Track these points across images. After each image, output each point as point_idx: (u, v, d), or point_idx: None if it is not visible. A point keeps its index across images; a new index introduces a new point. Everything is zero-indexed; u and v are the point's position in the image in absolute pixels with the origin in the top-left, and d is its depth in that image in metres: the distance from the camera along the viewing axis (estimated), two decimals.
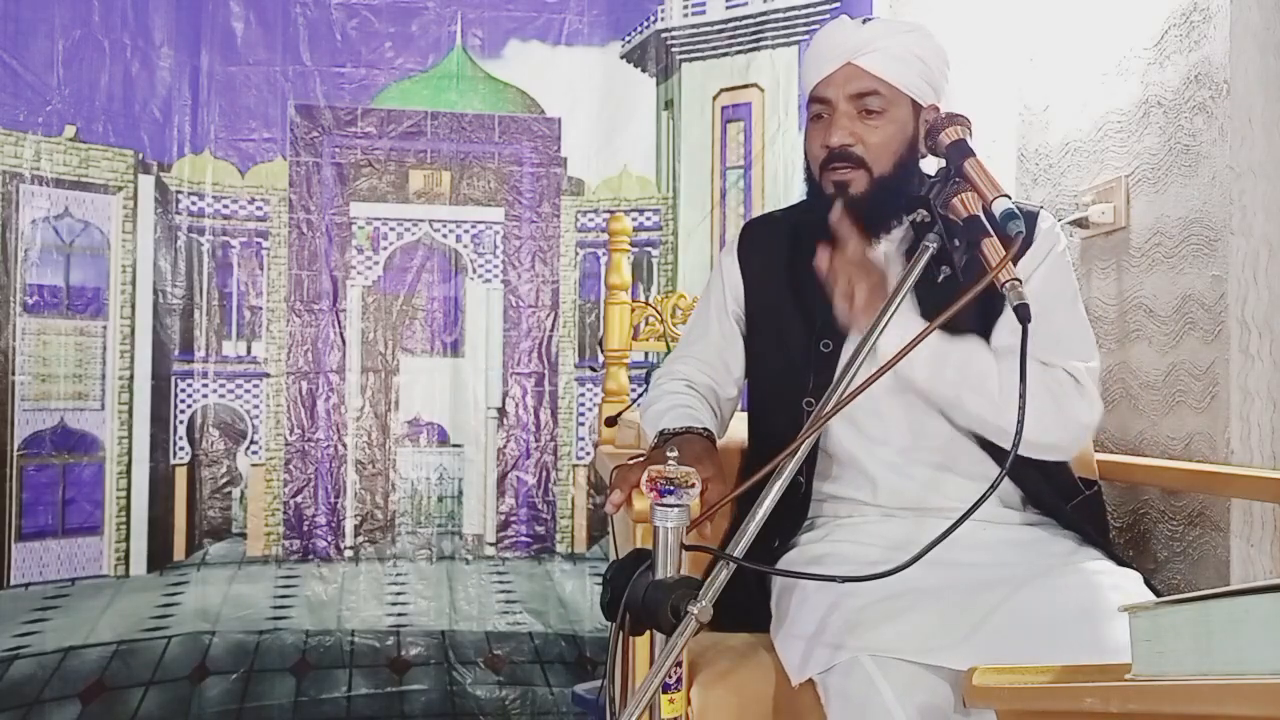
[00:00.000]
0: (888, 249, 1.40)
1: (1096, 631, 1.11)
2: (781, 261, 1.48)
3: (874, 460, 1.39)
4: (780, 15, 2.88)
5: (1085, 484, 1.47)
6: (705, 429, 1.37)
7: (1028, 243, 1.37)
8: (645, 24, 2.97)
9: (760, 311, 1.50)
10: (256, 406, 2.85)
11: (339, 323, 2.89)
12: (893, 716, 1.11)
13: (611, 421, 2.00)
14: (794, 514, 1.40)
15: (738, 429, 1.60)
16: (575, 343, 2.98)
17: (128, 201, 2.72)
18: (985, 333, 1.35)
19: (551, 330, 2.97)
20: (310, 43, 2.87)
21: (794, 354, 1.42)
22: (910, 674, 1.13)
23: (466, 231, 2.96)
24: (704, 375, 1.52)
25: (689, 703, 1.25)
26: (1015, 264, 1.34)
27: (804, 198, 1.54)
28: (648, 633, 1.07)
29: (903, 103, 1.37)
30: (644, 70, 2.98)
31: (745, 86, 2.92)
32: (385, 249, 2.93)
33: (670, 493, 1.00)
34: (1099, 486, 1.50)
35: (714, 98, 2.95)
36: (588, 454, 2.95)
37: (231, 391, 2.84)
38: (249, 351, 2.86)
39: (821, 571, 1.27)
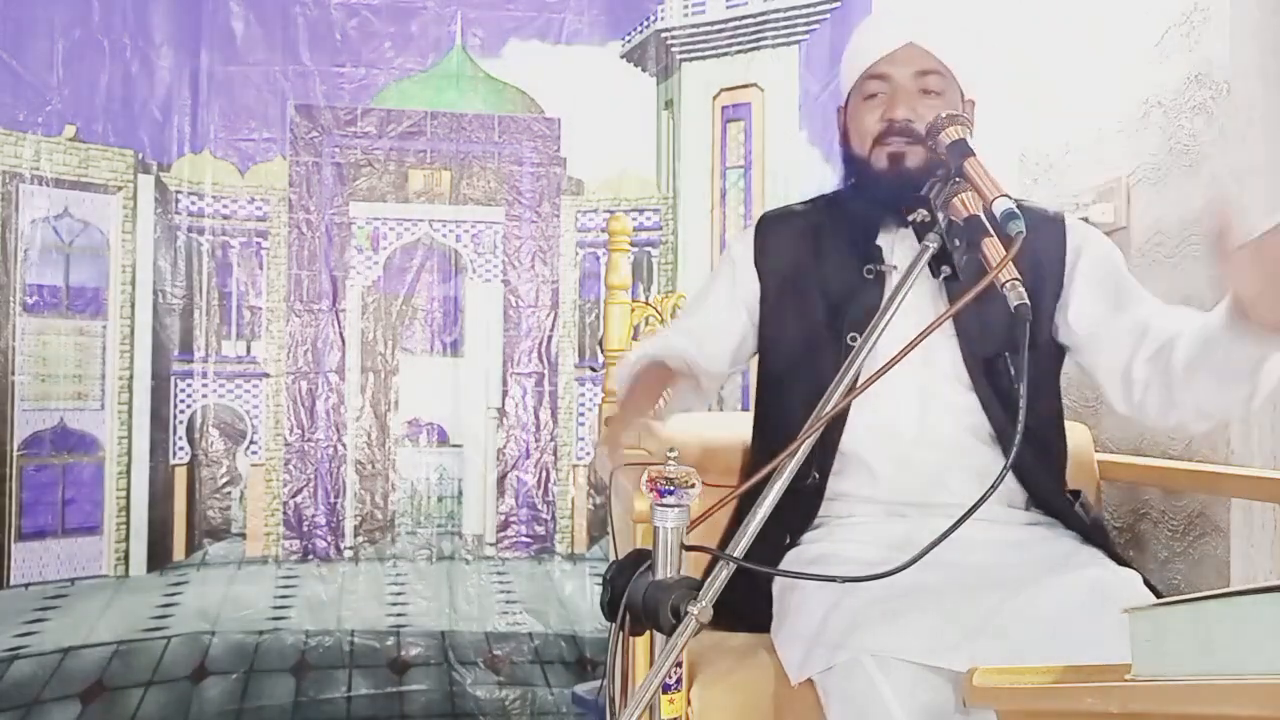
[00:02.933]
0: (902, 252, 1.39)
1: (1096, 632, 1.11)
2: (806, 255, 1.47)
3: (879, 454, 1.38)
4: (780, 15, 2.88)
5: (1071, 494, 1.46)
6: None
7: (1061, 253, 1.41)
8: (645, 24, 2.97)
9: (780, 305, 1.49)
10: (256, 406, 2.85)
11: (339, 323, 2.89)
12: (893, 717, 1.11)
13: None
14: (807, 509, 1.40)
15: (740, 429, 1.59)
16: (575, 343, 2.98)
17: (127, 201, 2.72)
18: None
19: (551, 330, 2.97)
20: (310, 42, 2.86)
21: (819, 349, 1.41)
22: (911, 674, 1.13)
23: (466, 231, 2.96)
24: (684, 344, 1.48)
25: (689, 703, 1.25)
26: (1063, 274, 1.39)
27: (809, 194, 1.54)
28: (648, 633, 1.07)
29: (955, 89, 1.39)
30: (644, 70, 2.98)
31: (745, 86, 2.92)
32: (385, 249, 2.93)
33: (670, 493, 1.00)
34: (1082, 495, 1.50)
35: (714, 98, 2.95)
36: (588, 454, 2.95)
37: (231, 391, 2.84)
38: (249, 351, 2.86)
39: (821, 572, 1.27)
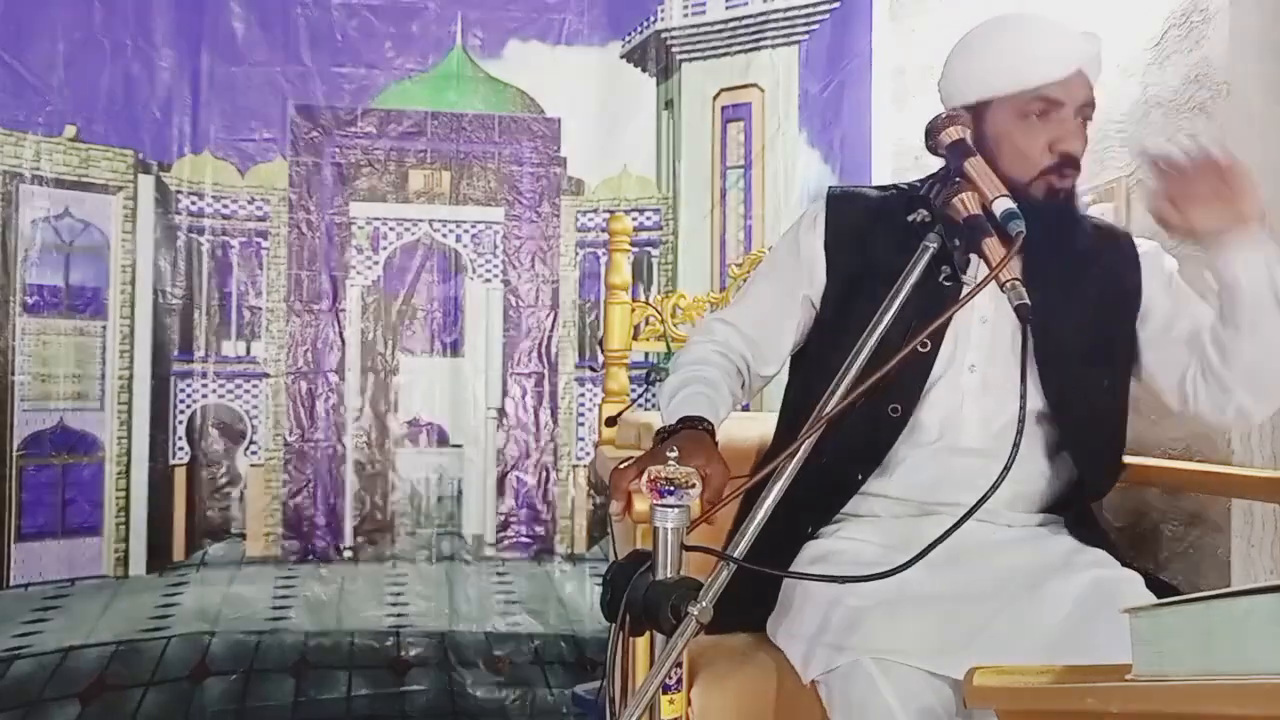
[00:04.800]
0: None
1: (1097, 632, 1.11)
2: (880, 250, 1.38)
3: (898, 452, 1.37)
4: (780, 15, 2.88)
5: None
6: (704, 420, 1.30)
7: (1135, 271, 1.42)
8: (645, 24, 2.97)
9: (845, 300, 1.41)
10: (256, 407, 2.85)
11: (338, 323, 2.89)
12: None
13: (611, 421, 2.00)
14: (833, 504, 1.38)
15: (741, 431, 1.58)
16: (575, 343, 2.98)
17: (128, 201, 2.72)
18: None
19: (551, 330, 2.97)
20: (310, 43, 2.86)
21: (879, 351, 1.36)
22: (913, 676, 1.13)
23: (466, 231, 2.96)
24: (742, 344, 1.45)
25: (689, 703, 1.25)
26: (1138, 288, 1.40)
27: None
28: (648, 633, 1.07)
29: None
30: (644, 70, 2.98)
31: (745, 86, 2.92)
32: (385, 249, 2.93)
33: (670, 493, 1.00)
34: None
35: (714, 98, 2.95)
36: (588, 454, 2.95)
37: (231, 391, 2.84)
38: (248, 351, 2.86)
39: (823, 569, 1.27)
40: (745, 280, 1.96)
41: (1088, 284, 1.37)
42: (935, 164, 1.38)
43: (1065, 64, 1.32)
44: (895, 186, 1.49)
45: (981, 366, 1.36)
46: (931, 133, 1.27)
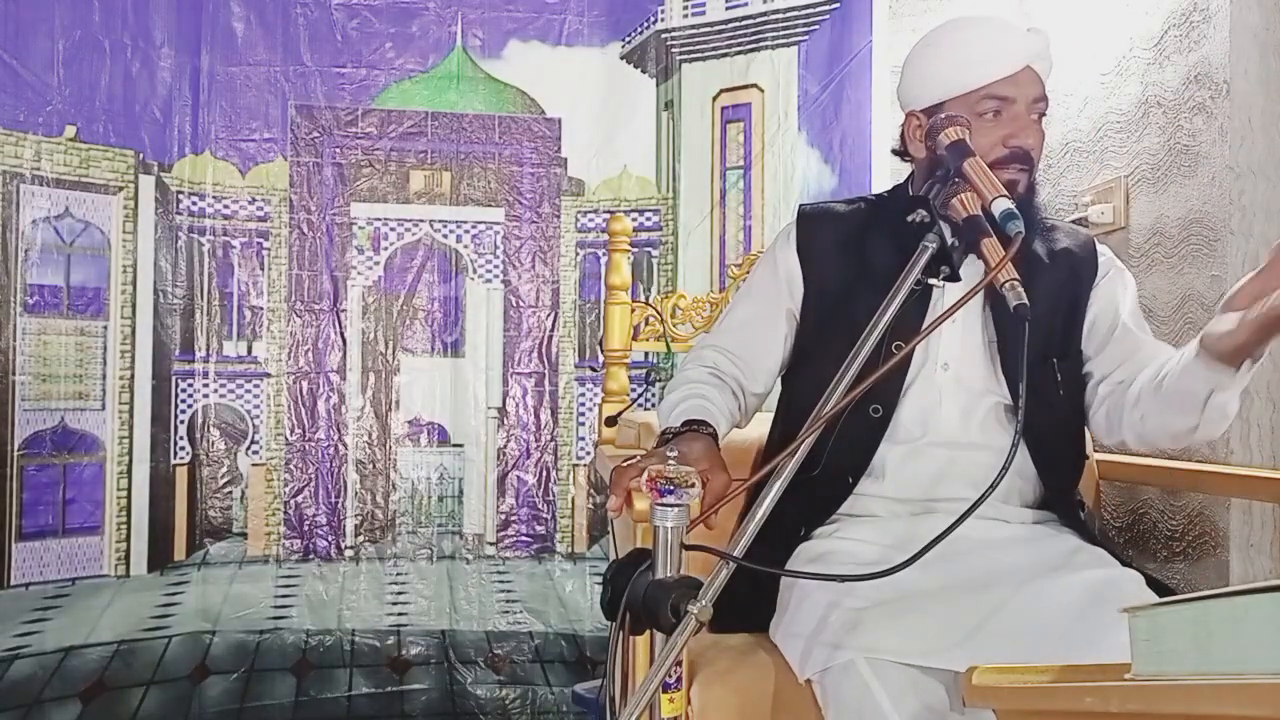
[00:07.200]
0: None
1: (1097, 632, 1.11)
2: (853, 258, 1.43)
3: (884, 452, 1.38)
4: (780, 15, 2.88)
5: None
6: (709, 425, 1.33)
7: (1093, 271, 1.44)
8: (645, 24, 2.97)
9: (824, 308, 1.46)
10: (257, 406, 2.85)
11: (339, 323, 2.90)
12: None
13: (611, 421, 2.00)
14: (828, 506, 1.40)
15: (741, 431, 1.59)
16: (575, 343, 2.98)
17: (128, 202, 2.73)
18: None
19: (551, 330, 2.97)
20: (310, 43, 2.86)
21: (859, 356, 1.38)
22: (906, 677, 1.13)
23: (467, 232, 2.96)
24: (732, 367, 1.49)
25: (689, 702, 1.25)
26: (1091, 287, 1.42)
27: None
28: (648, 632, 1.07)
29: None
30: (644, 71, 2.98)
31: (745, 87, 2.92)
32: (386, 249, 2.93)
33: (670, 492, 1.00)
34: (1083, 501, 1.51)
35: (714, 98, 2.95)
36: (588, 454, 2.95)
37: (232, 391, 2.84)
38: (250, 351, 2.86)
39: (822, 569, 1.27)
40: (739, 286, 1.97)
41: (1049, 283, 1.39)
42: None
43: (1012, 61, 1.35)
44: (862, 199, 1.55)
45: (955, 364, 1.39)
46: (931, 133, 1.27)
